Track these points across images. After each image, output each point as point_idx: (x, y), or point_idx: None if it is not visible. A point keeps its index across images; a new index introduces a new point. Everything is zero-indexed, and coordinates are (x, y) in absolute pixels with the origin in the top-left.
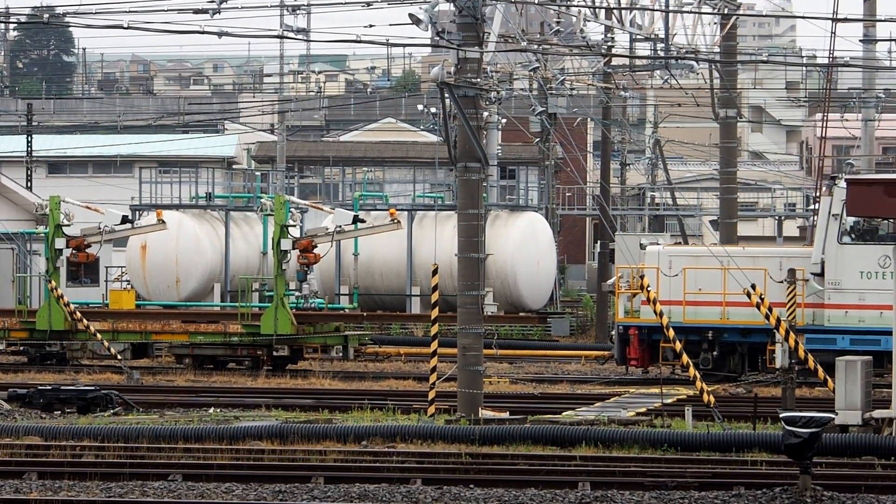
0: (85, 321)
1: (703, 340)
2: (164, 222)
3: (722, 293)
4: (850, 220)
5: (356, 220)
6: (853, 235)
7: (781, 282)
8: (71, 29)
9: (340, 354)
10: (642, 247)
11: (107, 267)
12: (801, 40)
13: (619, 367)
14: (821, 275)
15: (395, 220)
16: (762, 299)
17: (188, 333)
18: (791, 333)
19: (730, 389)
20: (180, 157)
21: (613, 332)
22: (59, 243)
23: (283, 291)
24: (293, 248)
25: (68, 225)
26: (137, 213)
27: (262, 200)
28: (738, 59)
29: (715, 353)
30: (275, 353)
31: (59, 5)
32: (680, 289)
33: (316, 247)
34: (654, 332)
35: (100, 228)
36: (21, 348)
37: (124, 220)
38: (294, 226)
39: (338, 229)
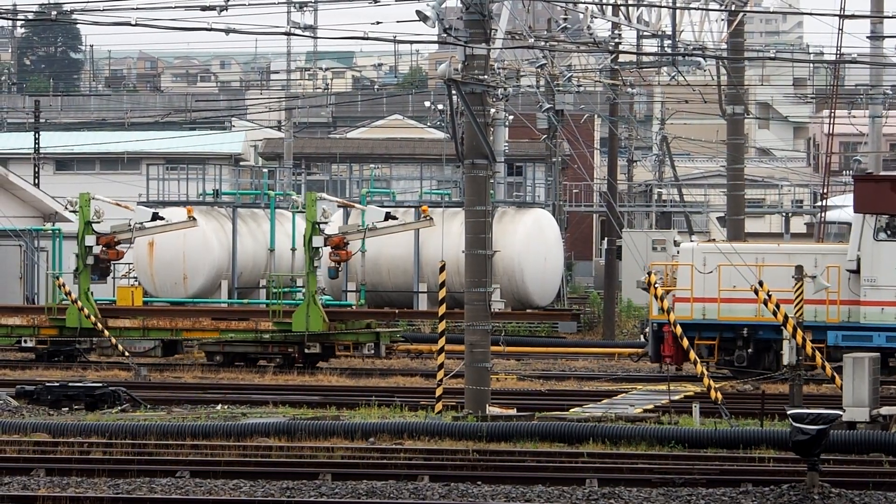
0: (93, 318)
1: (738, 338)
2: (194, 219)
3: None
4: (885, 216)
5: (388, 216)
6: (889, 232)
7: (814, 277)
8: (78, 26)
9: (373, 351)
10: (676, 244)
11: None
12: (808, 37)
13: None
14: (857, 272)
15: (428, 217)
16: (769, 296)
17: (219, 331)
18: (798, 330)
19: (737, 386)
20: (187, 153)
21: (647, 330)
22: (90, 240)
23: (315, 289)
24: (325, 245)
25: (98, 222)
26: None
27: (293, 197)
28: (746, 55)
29: (750, 350)
30: (306, 351)
31: (67, 2)
32: (714, 286)
33: (348, 244)
34: (688, 330)
35: (130, 225)
36: (49, 347)
37: (154, 217)
38: (326, 223)
39: (370, 226)
